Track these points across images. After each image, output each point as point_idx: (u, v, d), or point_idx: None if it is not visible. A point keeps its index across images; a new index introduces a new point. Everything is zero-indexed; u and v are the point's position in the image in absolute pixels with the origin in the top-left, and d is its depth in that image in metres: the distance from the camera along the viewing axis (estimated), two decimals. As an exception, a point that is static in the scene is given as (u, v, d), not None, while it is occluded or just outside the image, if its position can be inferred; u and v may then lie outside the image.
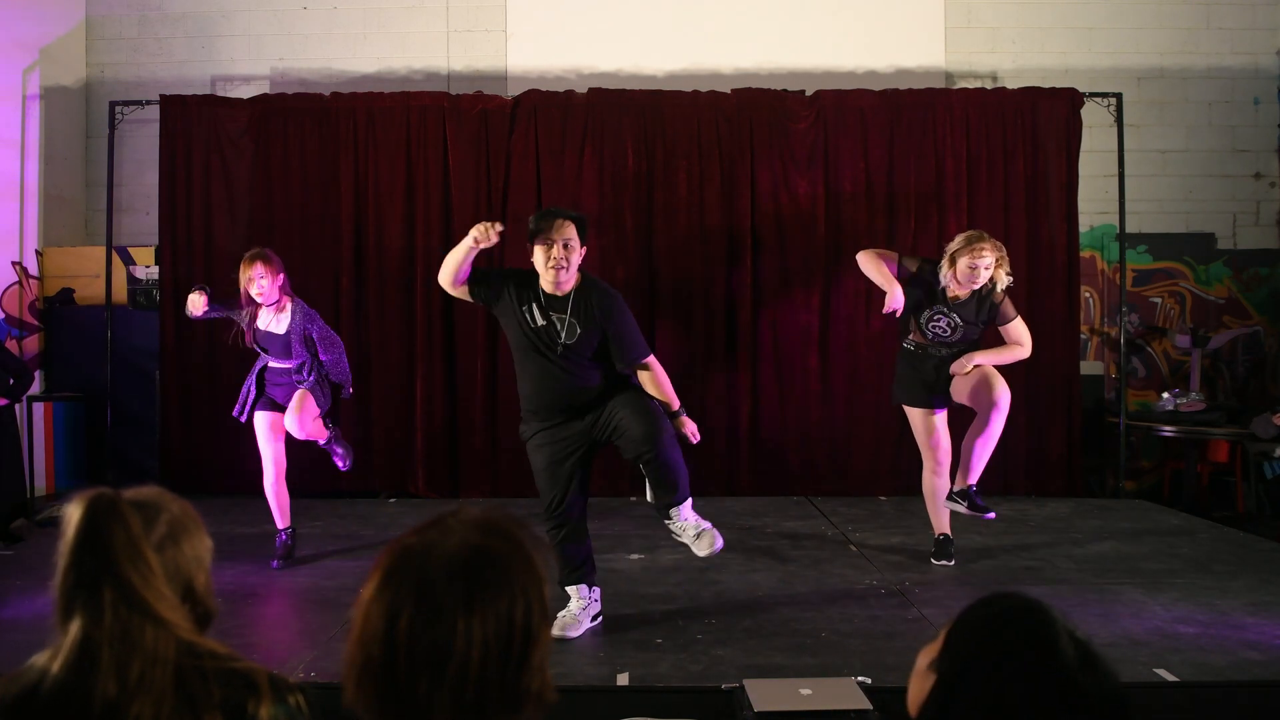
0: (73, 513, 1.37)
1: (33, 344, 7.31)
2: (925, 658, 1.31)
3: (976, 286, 4.71)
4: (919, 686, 1.30)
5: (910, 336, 4.98)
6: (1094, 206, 7.47)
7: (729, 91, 7.12)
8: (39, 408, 6.98)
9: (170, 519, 1.44)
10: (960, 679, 1.24)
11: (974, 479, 4.90)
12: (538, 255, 3.89)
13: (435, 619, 1.18)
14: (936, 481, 4.95)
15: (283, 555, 4.99)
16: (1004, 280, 4.78)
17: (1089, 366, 7.58)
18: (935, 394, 4.93)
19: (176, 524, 1.45)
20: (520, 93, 7.15)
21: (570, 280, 3.92)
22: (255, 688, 1.36)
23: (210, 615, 1.48)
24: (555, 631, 3.72)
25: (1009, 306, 4.85)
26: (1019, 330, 4.87)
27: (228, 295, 5.13)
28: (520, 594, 1.22)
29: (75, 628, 1.34)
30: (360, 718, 1.23)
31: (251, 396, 5.06)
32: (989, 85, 7.45)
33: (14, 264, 7.16)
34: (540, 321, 3.90)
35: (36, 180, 7.31)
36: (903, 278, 4.78)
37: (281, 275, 4.90)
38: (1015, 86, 7.24)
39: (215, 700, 1.33)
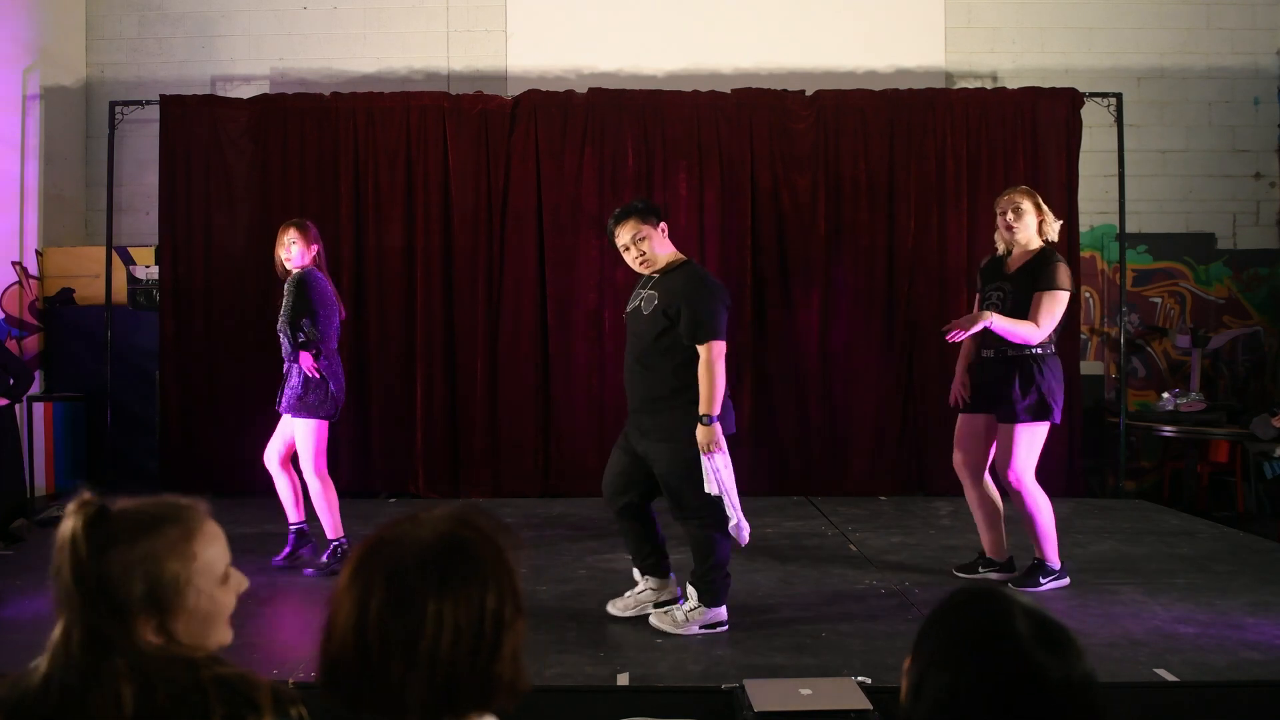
0: (63, 525, 1.37)
1: (33, 344, 7.31)
2: (908, 663, 1.33)
3: (1011, 236, 4.43)
4: (905, 692, 1.32)
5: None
6: (1094, 206, 7.47)
7: (729, 91, 7.12)
8: (39, 408, 6.98)
9: (147, 553, 1.39)
10: (926, 672, 1.26)
11: (1044, 553, 4.45)
12: None
13: (406, 605, 1.19)
14: (965, 489, 4.61)
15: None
16: (1052, 232, 4.45)
17: (1089, 366, 7.58)
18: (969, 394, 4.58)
19: (156, 551, 1.39)
20: (520, 93, 7.15)
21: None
22: (256, 704, 1.35)
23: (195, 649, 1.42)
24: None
25: (1053, 272, 4.31)
26: (1041, 302, 4.29)
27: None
28: (492, 582, 1.23)
29: (55, 641, 1.35)
30: (334, 711, 1.23)
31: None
32: (989, 85, 7.45)
33: (14, 264, 7.15)
34: None
35: (36, 180, 7.31)
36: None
37: (315, 246, 4.91)
38: (1015, 86, 7.24)
39: (216, 718, 1.33)
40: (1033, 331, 4.29)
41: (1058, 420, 4.46)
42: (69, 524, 1.36)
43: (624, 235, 3.93)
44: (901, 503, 6.60)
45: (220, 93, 7.50)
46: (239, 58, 7.65)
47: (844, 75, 7.46)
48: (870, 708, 2.85)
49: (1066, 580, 4.50)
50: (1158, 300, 7.70)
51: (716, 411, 3.77)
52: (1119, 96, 7.18)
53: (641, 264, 3.95)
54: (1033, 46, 7.63)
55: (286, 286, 4.85)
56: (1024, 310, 4.34)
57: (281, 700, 1.38)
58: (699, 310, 3.80)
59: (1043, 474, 6.92)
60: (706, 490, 3.78)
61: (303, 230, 4.88)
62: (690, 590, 3.96)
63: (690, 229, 7.04)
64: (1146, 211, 7.61)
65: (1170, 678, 3.33)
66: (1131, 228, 7.45)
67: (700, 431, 3.76)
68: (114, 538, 1.37)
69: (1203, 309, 7.68)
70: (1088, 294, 7.59)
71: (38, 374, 7.11)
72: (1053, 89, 7.14)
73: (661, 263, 3.96)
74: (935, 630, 1.30)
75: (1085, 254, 7.46)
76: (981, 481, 4.60)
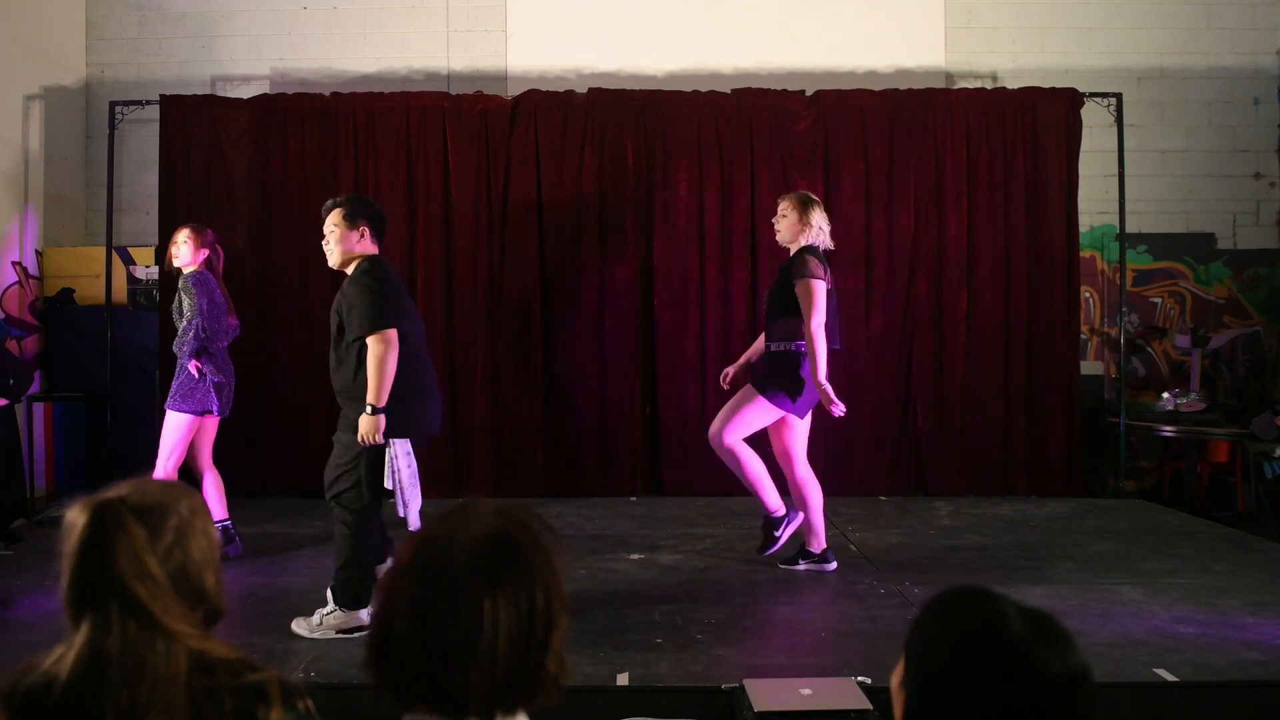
0: (75, 520, 1.36)
1: (33, 344, 7.31)
2: (896, 677, 1.31)
3: (779, 240, 4.78)
4: (897, 706, 1.30)
5: None
6: (1094, 206, 7.47)
7: (729, 91, 7.12)
8: (39, 408, 6.98)
9: (178, 523, 1.41)
10: (925, 684, 1.25)
11: (808, 540, 4.82)
12: None
13: (462, 610, 1.21)
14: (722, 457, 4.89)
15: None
16: (804, 238, 4.66)
17: (1089, 366, 7.58)
18: None
19: (184, 526, 1.42)
20: (520, 93, 7.15)
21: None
22: (266, 695, 1.36)
23: (219, 614, 1.47)
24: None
25: (802, 264, 4.59)
26: (799, 295, 4.58)
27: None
28: (541, 580, 1.25)
29: (83, 639, 1.35)
30: (385, 702, 1.26)
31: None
32: (989, 85, 7.45)
33: (14, 264, 7.15)
34: None
35: (37, 180, 7.31)
36: None
37: (205, 251, 5.05)
38: (1015, 86, 7.24)
39: (227, 709, 1.34)
40: (812, 329, 4.53)
41: (800, 415, 4.69)
42: (102, 522, 1.35)
43: (325, 224, 4.09)
44: (901, 503, 6.60)
45: (220, 93, 7.50)
46: (239, 58, 7.65)
47: (844, 75, 7.46)
48: (870, 708, 2.84)
49: (833, 565, 4.80)
50: (1158, 300, 7.71)
51: (382, 403, 3.82)
52: (1119, 96, 7.18)
53: (328, 252, 4.09)
54: (1033, 46, 7.64)
55: (179, 286, 5.01)
56: (780, 302, 4.68)
57: (289, 693, 1.39)
58: (355, 305, 3.92)
59: (1042, 473, 7.01)
60: (387, 485, 3.87)
61: (197, 233, 5.07)
62: (328, 592, 3.97)
63: (690, 229, 7.04)
64: (1146, 211, 7.61)
65: (1170, 678, 3.33)
66: (1131, 228, 7.45)
67: (363, 420, 3.82)
68: (153, 526, 1.39)
69: (1203, 309, 7.68)
70: (1088, 294, 7.59)
71: (38, 374, 7.12)
72: (1053, 89, 7.14)
73: (342, 257, 4.06)
74: (928, 635, 1.28)
75: (1085, 254, 7.46)
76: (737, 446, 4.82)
